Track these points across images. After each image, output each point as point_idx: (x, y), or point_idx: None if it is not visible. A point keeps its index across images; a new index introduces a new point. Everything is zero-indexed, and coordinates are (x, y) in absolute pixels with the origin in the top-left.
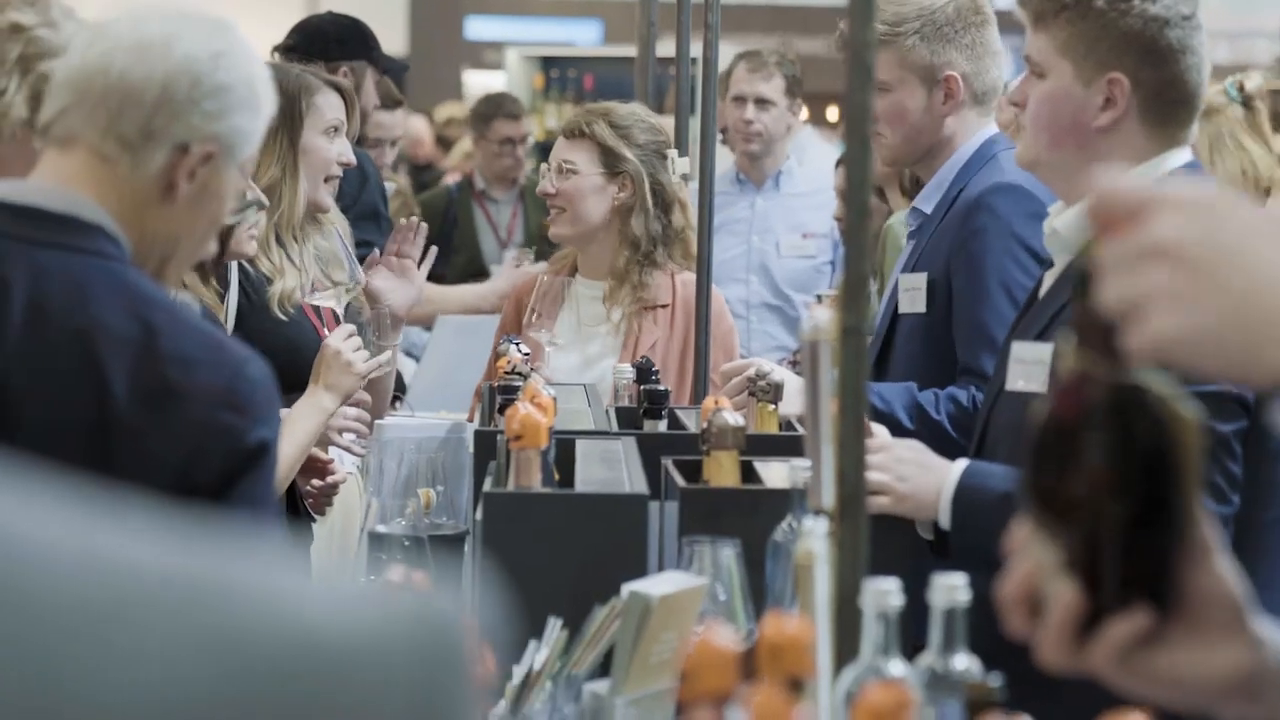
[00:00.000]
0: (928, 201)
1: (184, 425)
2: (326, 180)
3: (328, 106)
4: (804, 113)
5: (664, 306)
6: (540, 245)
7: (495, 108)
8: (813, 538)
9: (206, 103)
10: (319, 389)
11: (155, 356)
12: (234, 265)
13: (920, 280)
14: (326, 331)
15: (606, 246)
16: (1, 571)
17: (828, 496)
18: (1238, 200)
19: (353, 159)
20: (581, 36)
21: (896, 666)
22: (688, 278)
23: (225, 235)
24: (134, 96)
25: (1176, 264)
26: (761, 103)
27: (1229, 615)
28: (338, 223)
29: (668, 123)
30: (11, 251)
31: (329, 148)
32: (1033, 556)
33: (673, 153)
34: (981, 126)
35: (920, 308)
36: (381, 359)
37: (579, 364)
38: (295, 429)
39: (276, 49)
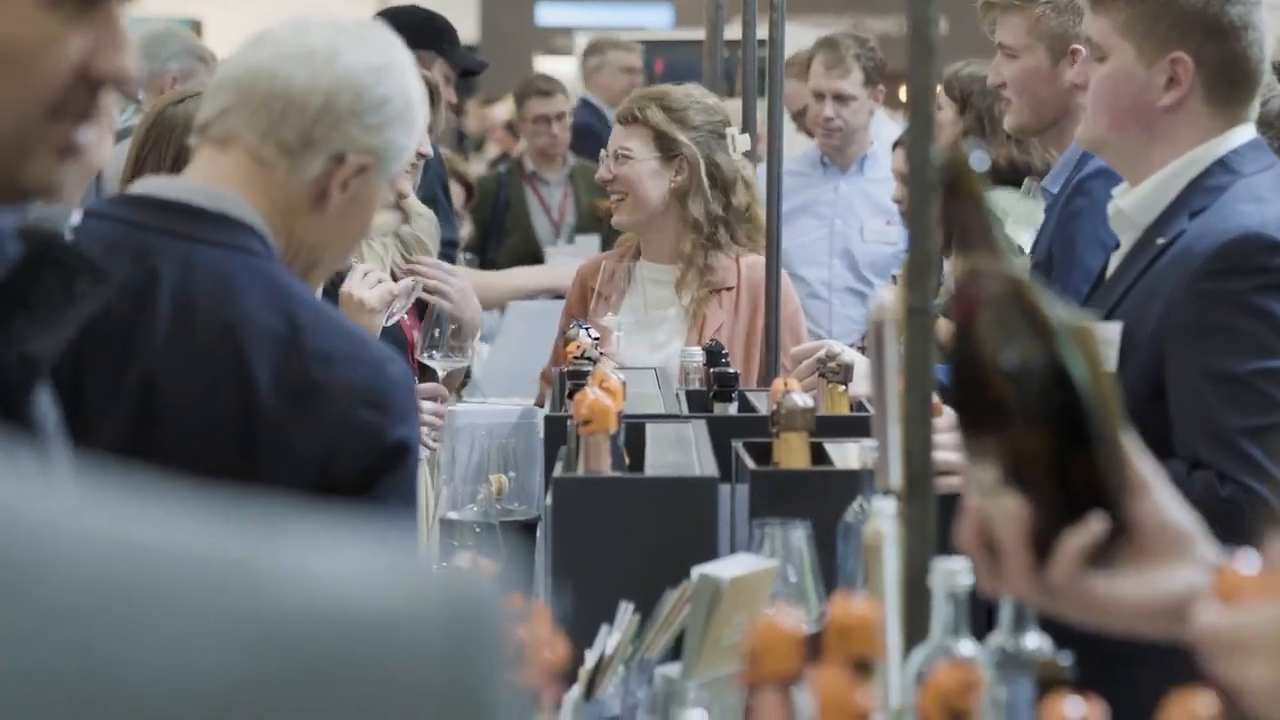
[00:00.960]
0: (1055, 182)
1: (325, 421)
2: (404, 170)
3: None
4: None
5: (729, 289)
6: (594, 226)
7: (528, 87)
8: (881, 518)
9: (367, 115)
10: None
11: (299, 352)
12: None
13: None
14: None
15: (668, 230)
16: (29, 559)
17: (895, 476)
18: None
19: (429, 150)
20: (652, 20)
21: (966, 646)
22: (753, 260)
23: None
24: (297, 103)
25: None
26: (840, 98)
27: (1174, 543)
28: (423, 216)
29: (736, 106)
30: (161, 245)
31: None
32: (976, 487)
33: (732, 131)
34: None
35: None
36: (398, 287)
37: (646, 348)
38: None
39: None
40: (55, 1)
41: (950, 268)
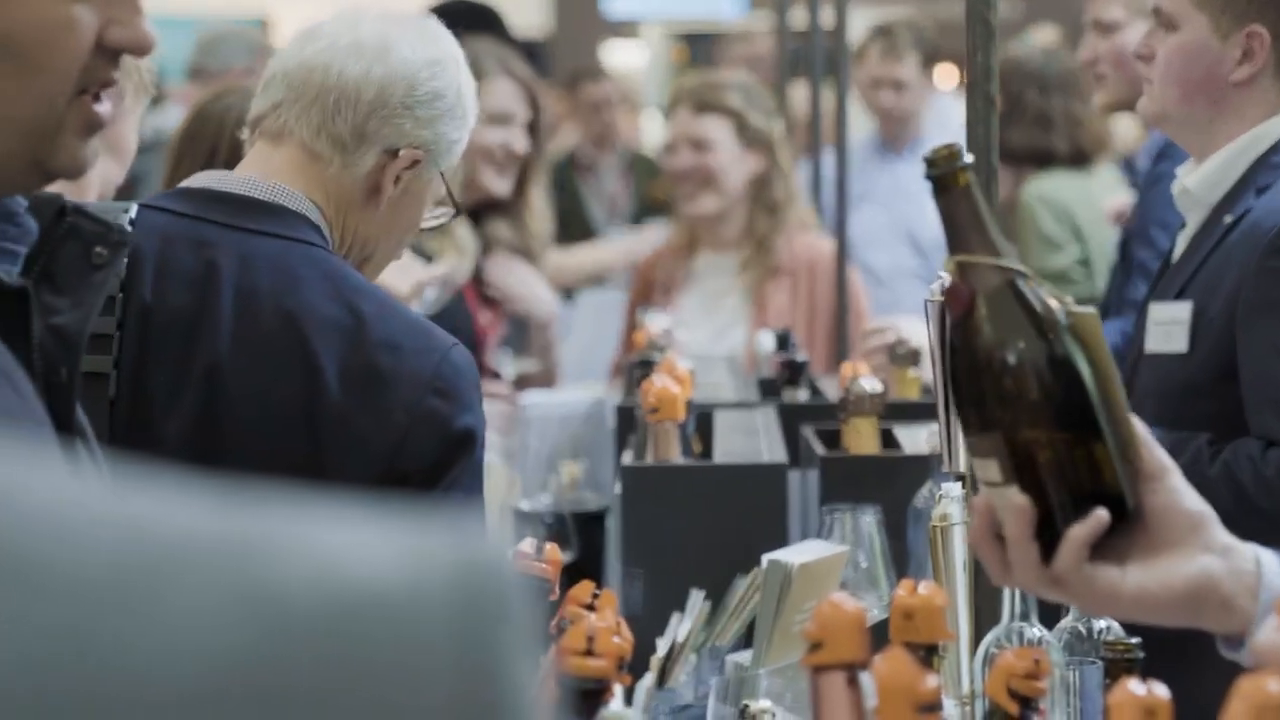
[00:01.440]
0: (1147, 155)
1: (391, 411)
2: (494, 166)
3: (491, 93)
4: (948, 75)
5: (786, 270)
6: (651, 214)
7: (576, 74)
8: (948, 502)
9: (419, 109)
10: None
11: (364, 342)
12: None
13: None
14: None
15: (739, 216)
16: (25, 538)
17: (960, 460)
18: None
19: (518, 148)
20: (724, 8)
21: (1036, 630)
22: (806, 240)
23: None
24: (350, 97)
25: None
26: (897, 85)
27: (1187, 532)
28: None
29: (800, 94)
30: (218, 237)
31: (487, 133)
32: (982, 481)
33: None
34: None
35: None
36: (430, 274)
37: (709, 336)
38: None
39: None
40: None
41: (945, 263)
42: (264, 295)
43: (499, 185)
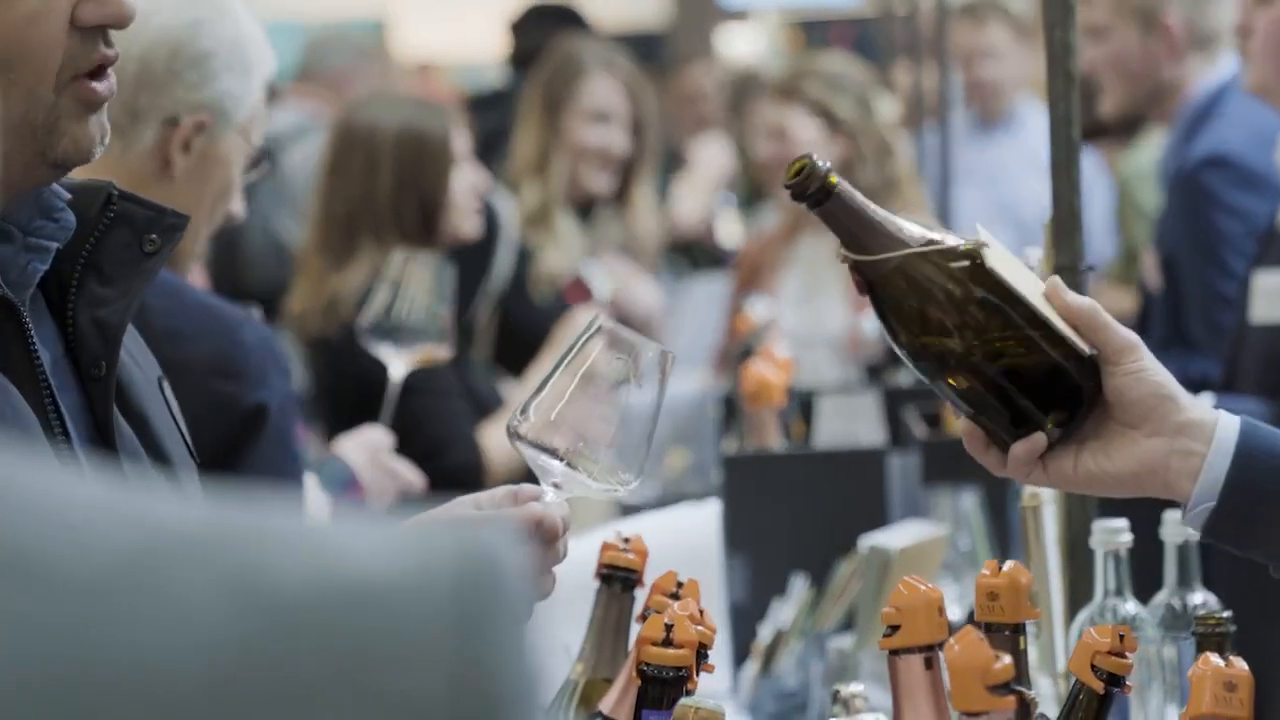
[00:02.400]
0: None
1: (181, 400)
2: (594, 166)
3: (591, 91)
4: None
5: None
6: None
7: (747, 85)
8: None
9: (187, 73)
10: None
11: (148, 337)
12: (508, 245)
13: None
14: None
15: None
16: (24, 534)
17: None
18: None
19: (617, 148)
20: None
21: (1130, 606)
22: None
23: (435, 218)
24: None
25: None
26: (983, 56)
27: (1145, 411)
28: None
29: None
30: None
31: (587, 132)
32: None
33: (879, 98)
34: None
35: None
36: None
37: (811, 320)
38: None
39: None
40: None
41: (838, 254)
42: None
43: (599, 183)
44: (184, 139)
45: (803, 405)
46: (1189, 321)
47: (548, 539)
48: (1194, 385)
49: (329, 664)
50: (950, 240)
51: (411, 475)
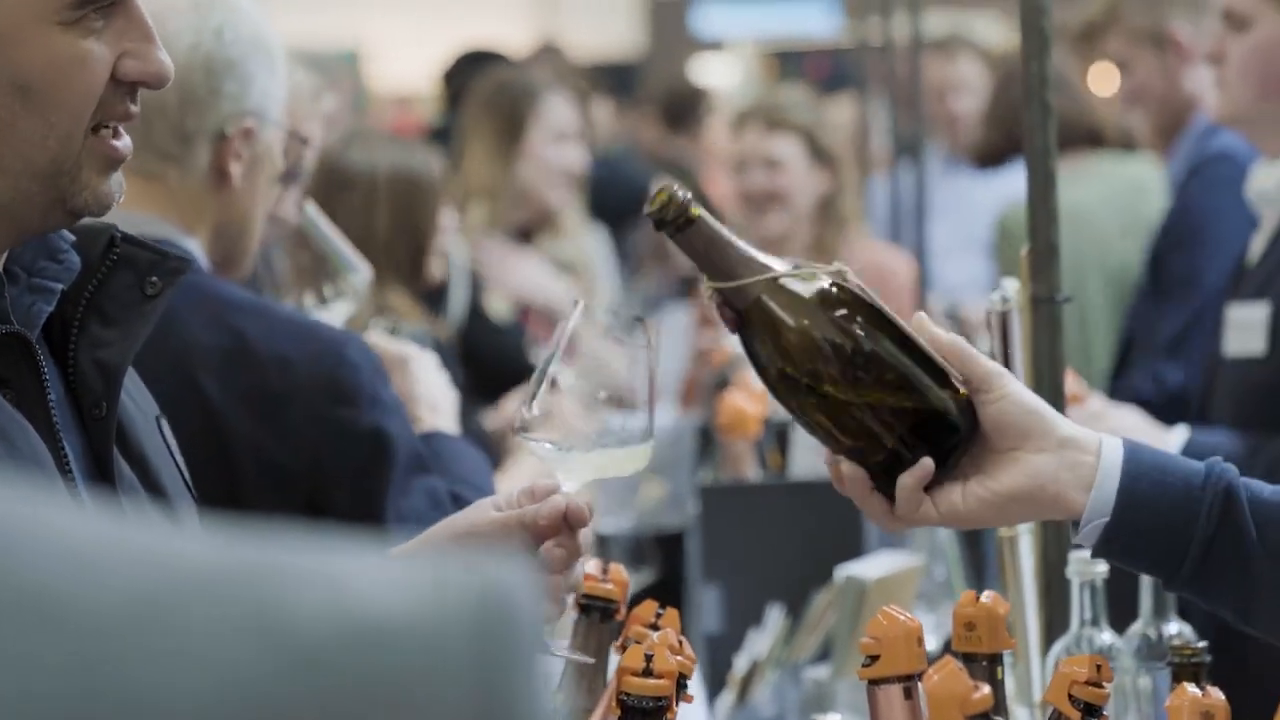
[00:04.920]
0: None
1: (298, 428)
2: (559, 186)
3: (550, 111)
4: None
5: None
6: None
7: (683, 104)
8: None
9: (227, 85)
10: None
11: (251, 363)
12: (460, 275)
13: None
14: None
15: (802, 232)
16: (46, 574)
17: None
18: None
19: (576, 166)
20: (814, 24)
21: (1106, 636)
22: (864, 244)
23: (421, 255)
24: (154, 107)
25: None
26: (954, 89)
27: (1022, 434)
28: (584, 235)
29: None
30: None
31: (549, 151)
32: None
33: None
34: None
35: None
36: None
37: None
38: None
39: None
40: (75, 19)
41: (705, 290)
42: (145, 344)
43: (562, 200)
44: (235, 149)
45: (778, 436)
46: (1168, 317)
47: (575, 525)
48: (1171, 399)
49: (349, 705)
50: (816, 266)
51: None
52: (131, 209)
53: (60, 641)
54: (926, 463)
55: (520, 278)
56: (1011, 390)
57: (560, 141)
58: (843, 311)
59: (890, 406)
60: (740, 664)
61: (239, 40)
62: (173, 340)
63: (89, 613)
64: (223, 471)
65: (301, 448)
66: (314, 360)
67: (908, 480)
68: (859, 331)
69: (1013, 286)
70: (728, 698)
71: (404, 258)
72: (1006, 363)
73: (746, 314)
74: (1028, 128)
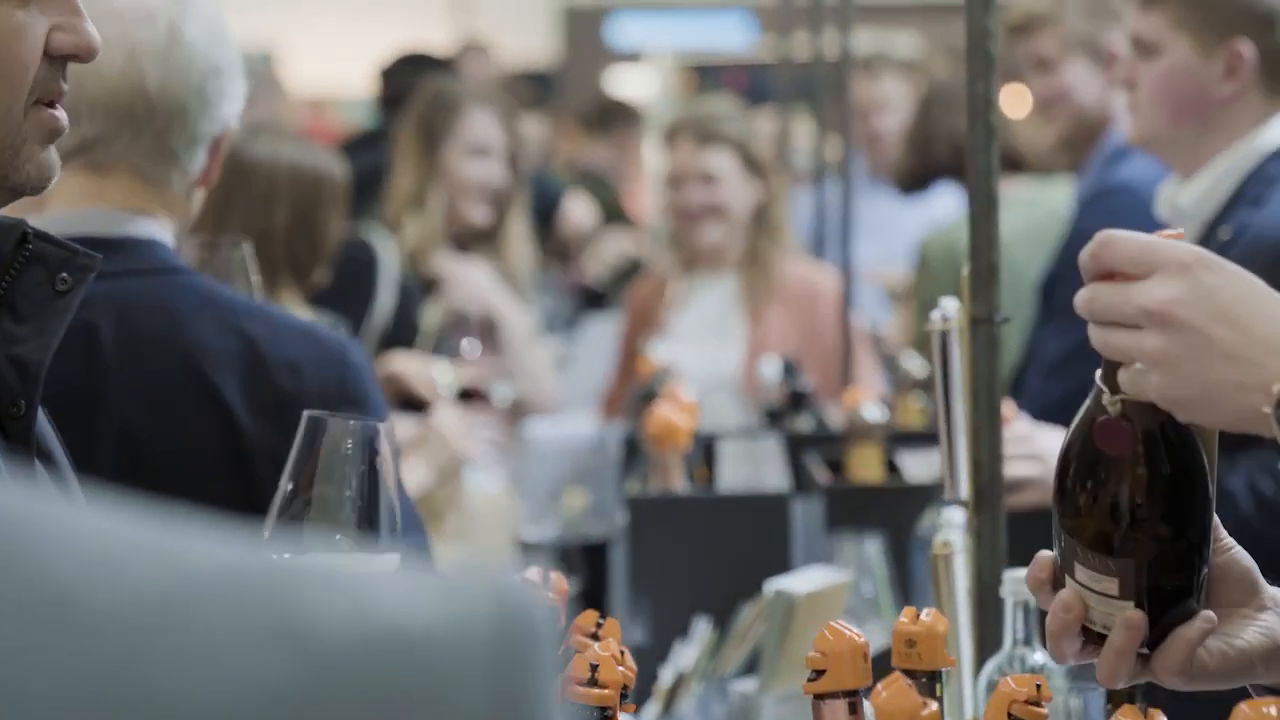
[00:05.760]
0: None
1: None
2: (476, 200)
3: (469, 126)
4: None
5: (785, 295)
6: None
7: (606, 111)
8: (950, 529)
9: (229, 87)
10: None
11: (262, 368)
12: (385, 284)
13: None
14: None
15: (737, 241)
16: (67, 574)
17: (963, 487)
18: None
19: (495, 180)
20: (730, 37)
21: (1039, 655)
22: (803, 265)
23: (317, 255)
24: (176, 111)
25: (1170, 331)
26: (881, 107)
27: (1246, 591)
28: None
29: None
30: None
31: (466, 166)
32: (1078, 586)
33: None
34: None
35: None
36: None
37: (707, 358)
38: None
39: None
40: None
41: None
42: (151, 345)
43: (479, 216)
44: (220, 150)
45: (706, 449)
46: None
47: None
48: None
49: (368, 712)
50: None
51: None
52: (124, 207)
53: (81, 642)
54: (1209, 616)
55: (470, 287)
56: (1230, 540)
57: (477, 156)
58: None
59: (1174, 557)
60: (666, 676)
61: (225, 39)
62: (179, 340)
63: (109, 614)
64: (241, 476)
65: None
66: (321, 364)
67: (1192, 635)
68: (1198, 483)
69: (953, 306)
70: (653, 709)
71: (300, 256)
72: (945, 383)
73: (1146, 436)
74: (970, 149)
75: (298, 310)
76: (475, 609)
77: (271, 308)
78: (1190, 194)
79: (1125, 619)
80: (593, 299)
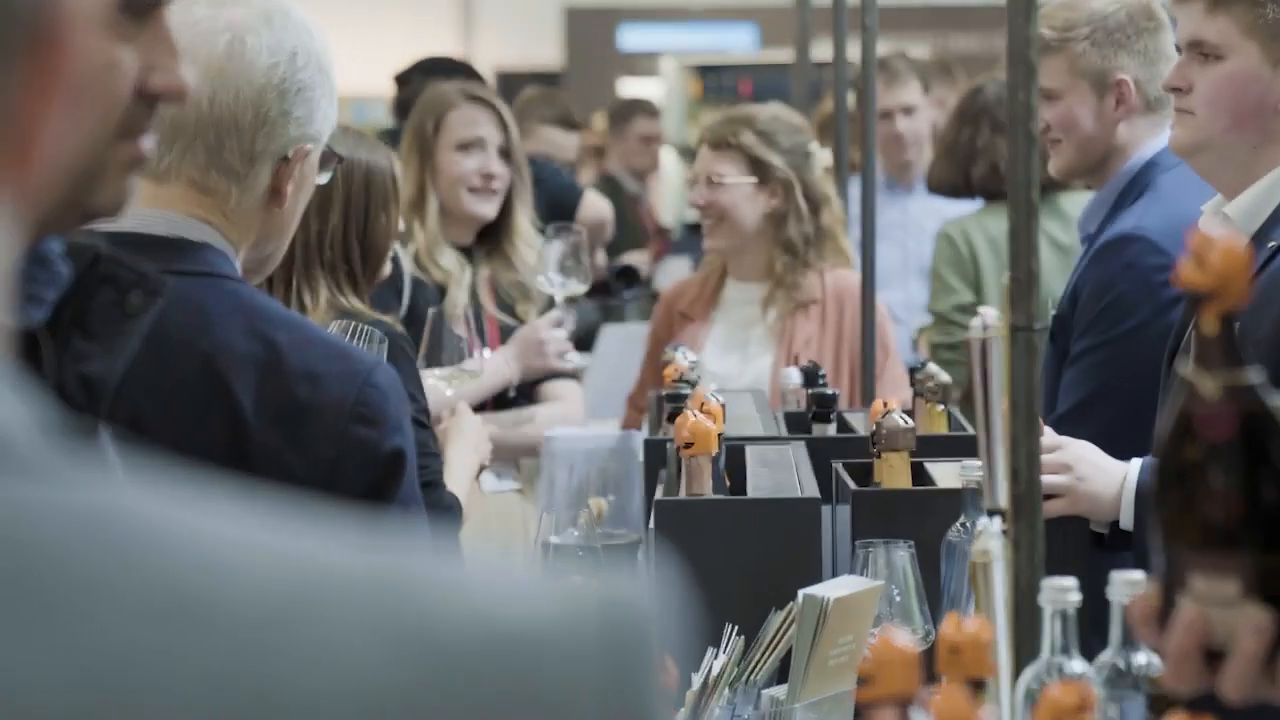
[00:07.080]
0: (1090, 221)
1: (317, 443)
2: (474, 192)
3: (460, 121)
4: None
5: (815, 302)
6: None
7: (632, 107)
8: (988, 537)
9: (297, 110)
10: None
11: (281, 375)
12: (407, 281)
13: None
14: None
15: (760, 251)
16: (191, 577)
17: (1002, 496)
18: None
19: (494, 170)
20: (736, 41)
21: (1077, 664)
22: (837, 273)
23: (378, 262)
24: (229, 126)
25: None
26: (906, 110)
27: None
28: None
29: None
30: None
31: (460, 160)
32: (1196, 599)
33: (814, 146)
34: (1153, 136)
35: None
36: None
37: (736, 366)
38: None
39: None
40: (110, 21)
41: (1198, 377)
42: (178, 337)
43: (485, 208)
44: (292, 170)
45: (730, 455)
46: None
47: None
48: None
49: (485, 712)
50: None
51: None
52: (182, 215)
53: (207, 644)
54: None
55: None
56: None
57: (468, 149)
58: None
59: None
60: (694, 682)
61: (309, 66)
62: (204, 343)
63: (233, 615)
64: (239, 478)
65: (318, 462)
66: (342, 379)
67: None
68: None
69: (993, 314)
70: (682, 716)
71: (358, 259)
72: (985, 391)
73: (1248, 421)
74: (1011, 158)
75: (364, 314)
76: (586, 609)
77: (311, 323)
78: (1241, 205)
79: (1249, 619)
80: (610, 311)
